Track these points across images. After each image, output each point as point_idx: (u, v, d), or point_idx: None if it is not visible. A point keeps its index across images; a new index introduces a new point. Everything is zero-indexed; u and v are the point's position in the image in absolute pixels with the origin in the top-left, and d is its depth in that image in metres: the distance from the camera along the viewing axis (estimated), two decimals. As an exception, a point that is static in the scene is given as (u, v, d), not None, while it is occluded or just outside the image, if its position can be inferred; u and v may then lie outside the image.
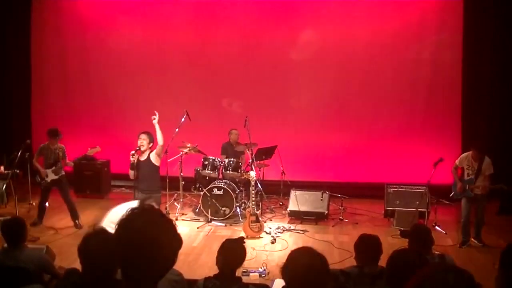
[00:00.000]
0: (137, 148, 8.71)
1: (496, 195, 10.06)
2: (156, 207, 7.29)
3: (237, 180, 11.13)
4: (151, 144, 8.73)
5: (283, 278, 3.19)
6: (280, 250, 8.94)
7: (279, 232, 9.91)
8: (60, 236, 9.55)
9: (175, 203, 11.35)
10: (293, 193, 10.87)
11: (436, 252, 6.06)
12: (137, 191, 8.83)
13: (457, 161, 9.38)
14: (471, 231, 9.26)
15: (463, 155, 9.40)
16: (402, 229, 9.85)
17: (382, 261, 4.42)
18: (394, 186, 10.78)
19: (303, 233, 10.04)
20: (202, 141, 11.41)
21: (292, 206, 10.78)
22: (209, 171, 10.96)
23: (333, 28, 12.69)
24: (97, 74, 13.58)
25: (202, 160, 11.11)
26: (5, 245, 5.62)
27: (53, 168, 9.84)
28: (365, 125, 12.80)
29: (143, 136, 8.71)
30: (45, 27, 13.76)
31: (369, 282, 4.57)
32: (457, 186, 9.28)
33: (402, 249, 4.55)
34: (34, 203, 11.04)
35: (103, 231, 3.41)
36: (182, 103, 11.89)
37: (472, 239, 9.27)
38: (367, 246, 4.91)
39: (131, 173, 8.81)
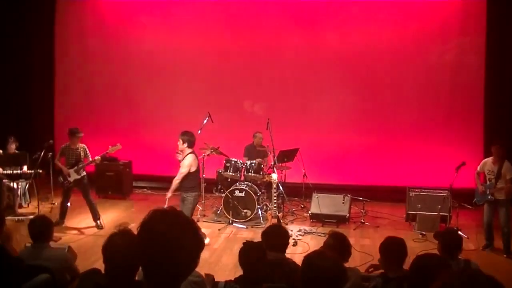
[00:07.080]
0: None
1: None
2: (189, 206, 7.67)
3: (259, 182, 11.10)
4: (186, 145, 8.78)
5: (300, 281, 3.20)
6: (301, 253, 8.85)
7: (300, 235, 9.88)
8: (81, 236, 9.62)
9: (197, 205, 11.38)
10: (315, 196, 10.84)
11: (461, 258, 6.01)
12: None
13: (478, 167, 9.35)
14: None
15: (483, 161, 9.35)
16: (423, 233, 9.81)
17: (405, 265, 4.38)
18: (416, 189, 10.69)
19: (324, 236, 9.94)
20: (223, 143, 11.43)
21: (314, 208, 10.76)
22: (231, 173, 10.98)
23: (355, 31, 12.63)
24: (119, 76, 13.68)
25: (224, 162, 11.11)
26: (27, 244, 5.67)
27: (75, 168, 9.92)
28: (387, 128, 12.71)
29: (180, 136, 8.86)
30: (68, 30, 13.92)
31: (395, 285, 4.53)
32: (478, 190, 9.22)
33: (425, 253, 4.52)
34: (56, 203, 11.12)
35: (128, 231, 3.41)
36: (204, 105, 11.94)
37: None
38: (392, 249, 4.84)
39: None
